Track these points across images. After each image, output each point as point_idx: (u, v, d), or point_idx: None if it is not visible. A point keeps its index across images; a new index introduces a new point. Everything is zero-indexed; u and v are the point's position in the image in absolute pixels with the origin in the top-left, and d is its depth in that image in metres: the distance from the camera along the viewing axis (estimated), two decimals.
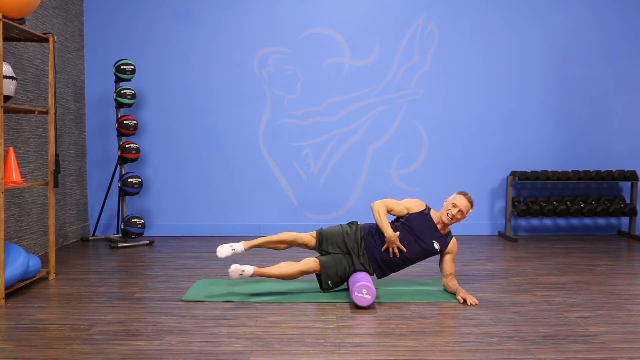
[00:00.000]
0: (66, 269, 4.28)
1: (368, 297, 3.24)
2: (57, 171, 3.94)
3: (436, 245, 3.55)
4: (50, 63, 3.96)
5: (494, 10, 5.81)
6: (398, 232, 3.51)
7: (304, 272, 3.51)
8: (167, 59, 5.72)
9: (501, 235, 5.86)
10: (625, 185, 6.00)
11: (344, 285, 3.72)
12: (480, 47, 5.82)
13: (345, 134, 5.81)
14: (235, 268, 3.35)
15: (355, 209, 5.81)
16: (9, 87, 3.56)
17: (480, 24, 5.81)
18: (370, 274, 3.58)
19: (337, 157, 5.82)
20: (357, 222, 3.75)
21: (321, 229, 3.74)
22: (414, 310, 3.26)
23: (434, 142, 5.85)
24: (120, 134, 5.31)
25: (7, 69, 3.54)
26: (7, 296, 3.46)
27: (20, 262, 3.52)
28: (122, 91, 5.23)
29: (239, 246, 3.61)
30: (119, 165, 5.38)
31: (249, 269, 3.38)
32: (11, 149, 3.66)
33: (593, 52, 5.88)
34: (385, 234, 3.50)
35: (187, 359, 2.52)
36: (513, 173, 5.70)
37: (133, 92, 5.28)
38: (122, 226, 5.21)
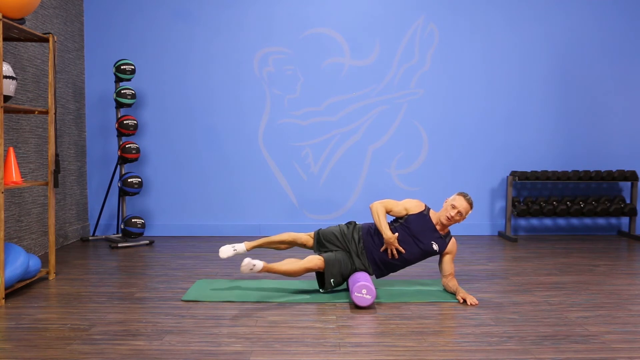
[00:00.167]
0: (66, 269, 4.28)
1: (368, 297, 3.24)
2: (57, 171, 3.94)
3: (435, 247, 3.55)
4: (50, 63, 3.96)
5: (494, 10, 5.81)
6: (396, 234, 3.51)
7: (309, 270, 3.50)
8: (167, 59, 5.72)
9: (501, 235, 5.86)
10: (625, 185, 6.00)
11: (344, 285, 3.73)
12: (480, 47, 5.82)
13: (345, 134, 5.81)
14: (247, 262, 3.30)
15: (355, 209, 5.81)
16: (9, 87, 3.56)
17: (480, 24, 5.81)
18: (370, 274, 3.58)
19: (337, 157, 5.82)
20: (354, 221, 3.75)
21: (319, 229, 3.75)
22: (414, 310, 3.26)
23: (434, 142, 5.85)
24: (120, 134, 5.31)
25: (7, 69, 3.54)
26: (7, 296, 3.46)
27: (20, 262, 3.52)
28: (122, 91, 5.23)
29: (241, 247, 3.68)
30: (119, 165, 5.38)
31: (259, 264, 3.36)
32: (11, 149, 3.66)
33: (593, 52, 5.88)
34: (384, 235, 3.49)
35: (187, 359, 2.52)
36: (513, 173, 5.70)
37: (133, 92, 5.28)
38: (122, 226, 5.21)
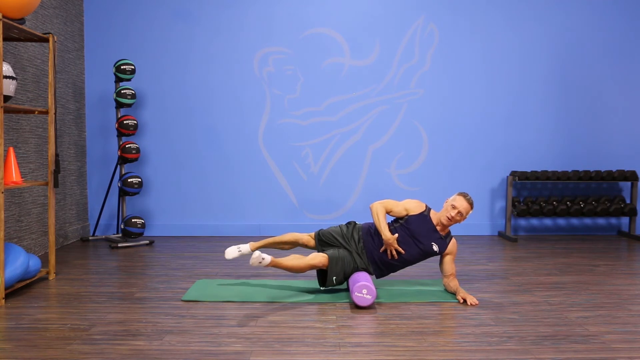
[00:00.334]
0: (66, 269, 4.28)
1: (368, 297, 3.24)
2: (57, 171, 3.94)
3: (435, 247, 3.54)
4: (50, 63, 3.96)
5: (494, 10, 5.81)
6: (396, 235, 3.51)
7: (313, 266, 3.49)
8: (167, 59, 5.72)
9: (501, 235, 5.86)
10: (625, 185, 6.00)
11: (344, 285, 3.73)
12: (480, 47, 5.82)
13: (345, 134, 5.81)
14: (257, 255, 3.28)
15: (355, 209, 5.81)
16: (9, 87, 3.56)
17: (480, 24, 5.81)
18: (370, 274, 3.58)
19: (337, 157, 5.82)
20: (354, 221, 3.75)
21: (320, 230, 3.75)
22: (414, 310, 3.26)
23: (434, 142, 5.85)
24: (120, 134, 5.31)
25: (7, 69, 3.54)
26: (7, 296, 3.46)
27: (20, 262, 3.52)
28: (122, 91, 5.23)
29: (246, 247, 3.75)
30: (119, 165, 5.38)
31: (267, 258, 3.34)
32: (11, 149, 3.66)
33: (593, 52, 5.88)
34: (383, 236, 3.49)
35: (187, 359, 2.52)
36: (513, 173, 5.70)
37: (133, 92, 5.28)
38: (122, 226, 5.21)
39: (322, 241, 3.68)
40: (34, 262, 3.72)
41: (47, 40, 3.95)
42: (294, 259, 3.49)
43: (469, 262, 4.59)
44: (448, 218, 3.50)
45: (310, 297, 3.52)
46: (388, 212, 3.60)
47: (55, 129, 3.97)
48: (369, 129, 5.81)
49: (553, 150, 5.91)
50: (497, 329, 2.92)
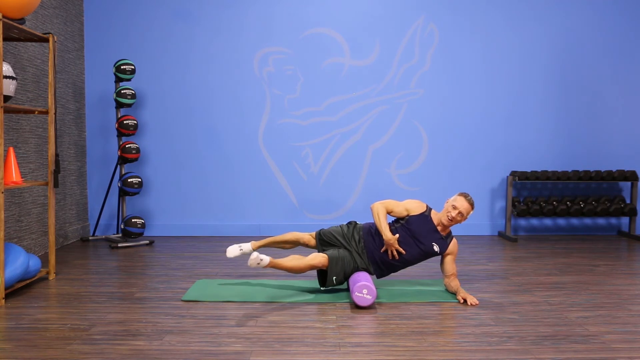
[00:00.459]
0: (66, 269, 4.28)
1: (368, 297, 3.24)
2: (57, 171, 3.94)
3: (436, 248, 3.54)
4: (50, 63, 3.96)
5: (494, 10, 5.81)
6: (397, 235, 3.50)
7: (313, 267, 3.49)
8: (167, 59, 5.72)
9: (501, 235, 5.86)
10: (625, 185, 6.00)
11: (344, 285, 3.73)
12: (480, 47, 5.82)
13: (345, 134, 5.81)
14: (255, 256, 3.29)
15: (355, 209, 5.81)
16: (9, 87, 3.56)
17: (480, 24, 5.81)
18: (371, 274, 3.58)
19: (337, 157, 5.82)
20: (355, 221, 3.75)
21: (321, 230, 3.75)
22: (414, 310, 3.26)
23: (434, 142, 5.85)
24: (120, 134, 5.31)
25: (7, 69, 3.54)
26: (7, 296, 3.46)
27: (20, 262, 3.52)
28: (122, 91, 5.23)
29: (247, 246, 3.79)
30: (119, 165, 5.38)
31: (265, 259, 3.35)
32: (11, 149, 3.66)
33: (593, 52, 5.88)
34: (384, 237, 3.49)
35: (187, 359, 2.52)
36: (513, 173, 5.70)
37: (133, 92, 5.28)
38: (122, 226, 5.21)
39: (323, 241, 3.68)
40: (34, 262, 3.72)
41: (47, 40, 3.95)
42: (293, 260, 3.49)
43: (469, 262, 4.59)
44: (449, 218, 3.50)
45: (310, 297, 3.52)
46: (389, 212, 3.60)
47: (55, 129, 3.97)
48: (369, 129, 5.81)
49: (553, 150, 5.91)
50: (497, 329, 2.92)
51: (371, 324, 3.03)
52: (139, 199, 5.76)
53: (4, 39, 3.85)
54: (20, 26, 3.57)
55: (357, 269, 3.55)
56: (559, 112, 5.90)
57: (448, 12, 5.79)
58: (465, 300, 3.38)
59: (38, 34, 3.80)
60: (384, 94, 5.80)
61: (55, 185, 3.94)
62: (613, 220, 6.07)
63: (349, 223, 3.74)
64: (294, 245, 3.84)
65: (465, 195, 3.54)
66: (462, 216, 3.50)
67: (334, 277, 3.50)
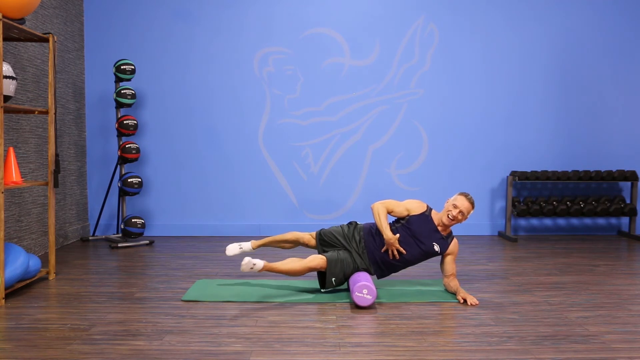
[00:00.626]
0: (66, 269, 4.28)
1: (369, 297, 3.24)
2: (57, 171, 3.94)
3: (436, 247, 3.54)
4: (50, 63, 3.96)
5: (494, 10, 5.81)
6: (397, 235, 3.50)
7: (311, 269, 3.49)
8: (167, 59, 5.72)
9: (501, 235, 5.86)
10: (625, 185, 6.00)
11: (344, 286, 3.73)
12: (480, 47, 5.82)
13: (345, 134, 5.81)
14: (247, 261, 3.31)
15: (355, 209, 5.81)
16: (9, 87, 3.56)
17: (480, 24, 5.81)
18: (371, 274, 3.58)
19: (337, 157, 5.82)
20: (356, 222, 3.75)
21: (321, 229, 3.75)
22: (414, 310, 3.26)
23: (434, 142, 5.85)
24: (120, 134, 5.31)
25: (7, 69, 3.54)
26: (7, 296, 3.46)
27: (20, 262, 3.52)
28: (122, 91, 5.23)
29: (247, 245, 3.82)
30: (119, 165, 5.38)
31: (259, 264, 3.37)
32: (11, 149, 3.66)
33: (593, 52, 5.88)
34: (385, 236, 3.49)
35: (187, 359, 2.52)
36: (513, 173, 5.70)
37: (133, 92, 5.28)
38: (122, 226, 5.21)
39: (324, 241, 3.68)
40: (34, 262, 3.72)
41: (47, 40, 3.95)
42: (291, 262, 3.49)
43: (469, 262, 4.59)
44: (450, 218, 3.50)
45: (310, 297, 3.52)
46: (389, 212, 3.60)
47: (55, 129, 3.97)
48: (369, 129, 5.81)
49: (553, 150, 5.91)
50: (497, 329, 2.92)
51: (371, 324, 3.03)
52: (139, 199, 5.76)
53: (4, 39, 3.85)
54: (20, 26, 3.57)
55: (357, 269, 3.55)
56: (559, 112, 5.90)
57: (448, 12, 5.79)
58: (465, 300, 3.38)
59: (38, 34, 3.80)
60: (384, 94, 5.80)
61: (55, 185, 3.94)
62: (613, 220, 6.07)
63: (350, 223, 3.74)
64: (293, 245, 3.83)
65: (465, 195, 3.55)
66: (463, 215, 3.50)
67: (333, 279, 3.50)
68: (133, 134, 5.33)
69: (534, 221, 6.03)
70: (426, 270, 4.18)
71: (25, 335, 2.81)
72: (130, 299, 3.48)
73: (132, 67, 5.27)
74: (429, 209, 3.63)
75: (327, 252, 3.62)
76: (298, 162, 5.81)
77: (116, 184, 5.61)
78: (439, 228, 3.57)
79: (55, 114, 3.96)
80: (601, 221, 6.07)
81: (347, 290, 3.64)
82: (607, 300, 3.49)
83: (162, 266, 4.40)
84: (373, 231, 3.60)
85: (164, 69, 5.72)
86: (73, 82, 5.45)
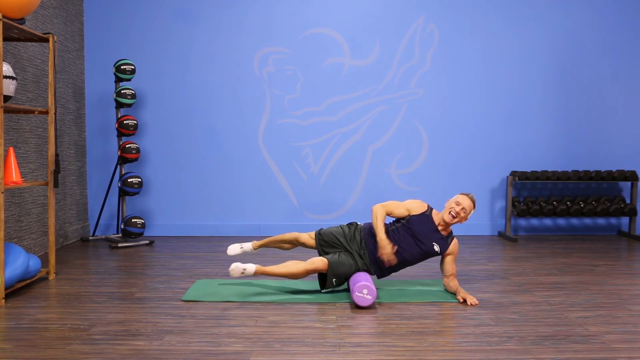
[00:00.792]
0: (66, 269, 4.28)
1: (369, 297, 3.24)
2: (57, 171, 3.94)
3: (436, 248, 3.54)
4: (50, 63, 3.96)
5: (494, 10, 5.81)
6: (395, 247, 3.46)
7: (310, 271, 3.50)
8: (167, 59, 5.72)
9: (501, 235, 5.86)
10: (625, 185, 6.00)
11: (344, 286, 3.73)
12: (480, 47, 5.82)
13: (345, 134, 5.81)
14: (235, 267, 3.38)
15: (355, 209, 5.81)
16: (9, 87, 3.56)
17: (480, 24, 5.81)
18: (371, 274, 3.58)
19: (337, 157, 5.82)
20: (356, 222, 3.75)
21: (320, 229, 3.74)
22: (414, 310, 3.26)
23: (434, 142, 5.85)
24: (120, 134, 5.31)
25: (7, 69, 3.54)
26: (7, 296, 3.46)
27: (20, 262, 3.52)
28: (122, 91, 5.23)
29: (248, 245, 3.85)
30: (119, 165, 5.38)
31: (250, 268, 3.41)
32: (11, 149, 3.66)
33: (593, 52, 5.88)
34: (377, 238, 3.47)
35: (187, 359, 2.52)
36: (513, 173, 5.70)
37: (133, 92, 5.28)
38: (122, 226, 5.21)
39: (324, 241, 3.66)
40: (34, 262, 3.72)
41: (47, 40, 3.95)
42: (289, 265, 3.50)
43: (469, 262, 4.59)
44: (452, 215, 3.49)
45: (310, 297, 3.52)
46: (389, 214, 3.60)
47: (55, 129, 3.97)
48: (369, 129, 5.81)
49: (553, 150, 5.91)
50: (497, 329, 2.92)
51: (371, 324, 3.03)
52: (139, 199, 5.76)
53: (4, 39, 3.85)
54: (20, 26, 3.57)
55: (357, 270, 3.55)
56: (559, 112, 5.90)
57: (448, 12, 5.79)
58: (465, 300, 3.38)
59: (38, 34, 3.80)
60: (384, 94, 5.80)
61: (55, 185, 3.94)
62: (613, 220, 6.07)
63: (350, 224, 3.73)
64: (292, 245, 3.83)
65: (466, 194, 3.56)
66: (465, 212, 3.50)
67: (334, 279, 3.51)
68: (133, 134, 5.33)
69: (534, 221, 6.03)
70: (426, 270, 4.18)
71: (25, 335, 2.81)
72: (130, 299, 3.48)
73: (132, 67, 5.27)
74: (430, 209, 3.63)
75: (327, 253, 3.61)
76: (298, 162, 5.81)
77: (116, 184, 5.61)
78: (440, 228, 3.56)
79: (55, 114, 3.96)
80: (601, 221, 6.07)
81: (347, 290, 3.64)
82: (607, 300, 3.49)
83: (162, 266, 4.40)
84: (373, 232, 3.60)
85: (164, 69, 5.72)
86: (73, 82, 5.45)
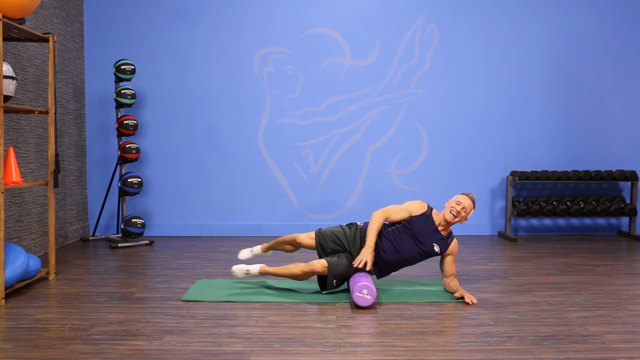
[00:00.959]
0: (66, 269, 4.28)
1: (369, 297, 3.24)
2: (57, 171, 3.94)
3: (436, 248, 3.54)
4: (50, 63, 3.96)
5: (494, 10, 5.81)
6: (372, 256, 3.43)
7: (310, 274, 3.50)
8: (167, 59, 5.72)
9: (501, 235, 5.86)
10: (625, 185, 6.01)
11: (344, 286, 3.73)
12: (480, 47, 5.82)
13: (345, 134, 5.81)
14: (238, 267, 3.38)
15: (355, 209, 5.81)
16: (9, 87, 3.56)
17: (480, 24, 5.81)
18: (371, 274, 3.58)
19: (337, 157, 5.82)
20: (357, 223, 3.75)
21: (320, 229, 3.74)
22: (414, 310, 3.26)
23: (434, 142, 5.85)
24: (120, 134, 5.31)
25: (7, 69, 3.54)
26: (7, 296, 3.46)
27: (20, 262, 3.52)
28: (122, 91, 5.23)
29: (257, 248, 3.93)
30: (119, 165, 5.38)
31: (254, 268, 3.43)
32: (11, 149, 3.66)
33: (593, 52, 5.88)
34: (366, 243, 3.45)
35: (187, 359, 2.52)
36: (513, 173, 5.70)
37: (133, 92, 5.28)
38: (122, 226, 5.21)
39: (324, 241, 3.65)
40: (34, 262, 3.72)
41: (47, 40, 3.95)
42: (292, 267, 3.54)
43: (469, 262, 4.59)
44: (453, 214, 3.49)
45: (310, 297, 3.52)
46: (388, 220, 3.58)
47: (55, 129, 3.97)
48: (369, 129, 5.81)
49: (553, 150, 5.91)
50: (497, 329, 2.92)
51: (371, 324, 3.03)
52: (139, 199, 5.76)
53: (4, 39, 3.86)
54: (20, 26, 3.57)
55: (357, 270, 3.54)
56: (558, 112, 5.90)
57: (448, 12, 5.79)
58: (462, 297, 3.38)
59: (38, 34, 3.80)
60: (384, 94, 5.80)
61: (55, 185, 3.94)
62: (613, 220, 6.07)
63: (350, 224, 3.72)
64: (293, 247, 3.81)
65: (467, 194, 3.56)
66: (466, 211, 3.49)
67: (335, 280, 3.51)
68: (133, 134, 5.33)
69: (534, 221, 6.03)
70: (426, 270, 4.18)
71: (25, 335, 2.81)
72: (130, 299, 3.48)
73: (132, 67, 5.27)
74: (430, 209, 3.62)
75: (327, 252, 3.61)
76: (298, 162, 5.81)
77: (116, 184, 5.61)
78: (440, 228, 3.56)
79: (55, 114, 3.96)
80: (601, 221, 6.07)
81: (347, 290, 3.64)
82: (607, 300, 3.49)
83: (162, 266, 4.40)
84: None
85: (164, 69, 5.72)
86: (73, 82, 5.45)
